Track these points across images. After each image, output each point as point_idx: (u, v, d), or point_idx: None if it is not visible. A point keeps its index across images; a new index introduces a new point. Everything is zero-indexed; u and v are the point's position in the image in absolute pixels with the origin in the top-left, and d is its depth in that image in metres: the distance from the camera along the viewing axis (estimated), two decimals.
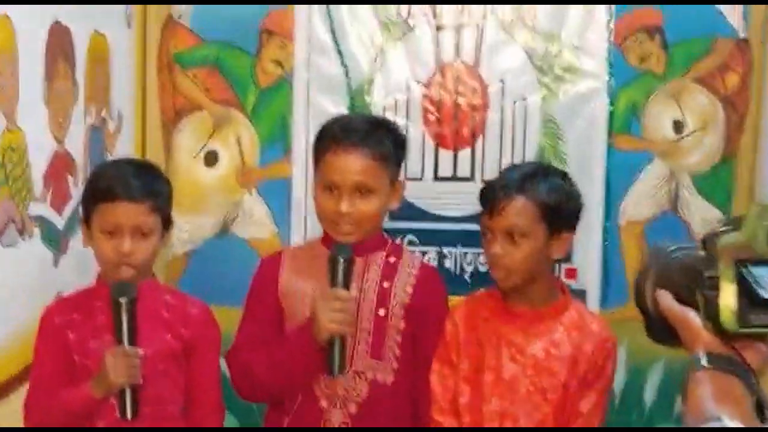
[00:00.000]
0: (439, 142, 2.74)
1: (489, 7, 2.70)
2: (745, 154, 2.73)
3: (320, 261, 1.82)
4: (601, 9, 2.69)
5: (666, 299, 1.05)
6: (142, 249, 1.79)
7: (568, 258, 1.93)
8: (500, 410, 1.81)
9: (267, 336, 1.90)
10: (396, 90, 2.72)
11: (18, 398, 1.83)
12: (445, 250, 2.76)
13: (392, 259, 1.94)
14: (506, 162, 2.65)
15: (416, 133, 2.71)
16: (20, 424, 1.82)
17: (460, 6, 2.70)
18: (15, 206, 1.84)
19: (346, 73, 2.71)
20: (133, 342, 1.71)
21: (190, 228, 2.75)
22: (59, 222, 2.08)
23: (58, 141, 2.06)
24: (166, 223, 1.87)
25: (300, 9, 2.71)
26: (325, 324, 1.75)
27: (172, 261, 2.75)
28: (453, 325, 1.91)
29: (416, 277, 1.94)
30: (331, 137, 1.88)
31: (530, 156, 2.70)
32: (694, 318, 1.01)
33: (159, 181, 1.88)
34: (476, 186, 2.66)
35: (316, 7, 2.70)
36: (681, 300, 1.03)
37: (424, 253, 2.72)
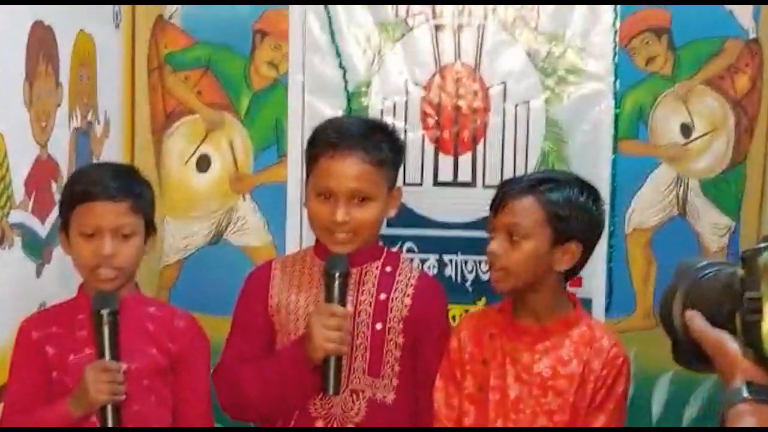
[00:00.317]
0: (439, 146, 2.69)
1: (490, 6, 2.65)
2: (756, 159, 2.70)
3: (313, 272, 1.76)
4: (607, 9, 2.64)
5: (697, 321, 0.97)
6: (124, 252, 1.73)
7: (577, 273, 1.82)
8: None
9: (257, 353, 1.82)
10: (394, 92, 2.67)
11: None
12: (446, 257, 2.70)
13: (389, 269, 1.86)
14: (508, 167, 2.62)
15: (415, 137, 2.67)
16: None
17: (460, 6, 2.65)
18: None
19: (343, 75, 2.67)
20: (115, 356, 1.64)
21: (182, 235, 2.69)
22: (42, 230, 2.02)
23: (41, 145, 2.00)
24: (149, 227, 1.81)
25: (295, 9, 2.66)
26: (320, 343, 1.67)
27: (163, 269, 2.71)
28: (457, 342, 1.83)
29: (415, 287, 1.86)
30: (326, 141, 1.80)
31: (533, 161, 2.66)
32: (730, 343, 0.93)
33: (139, 183, 1.83)
34: (477, 192, 2.62)
35: (311, 7, 2.65)
36: (714, 322, 0.96)
37: (423, 261, 2.67)
